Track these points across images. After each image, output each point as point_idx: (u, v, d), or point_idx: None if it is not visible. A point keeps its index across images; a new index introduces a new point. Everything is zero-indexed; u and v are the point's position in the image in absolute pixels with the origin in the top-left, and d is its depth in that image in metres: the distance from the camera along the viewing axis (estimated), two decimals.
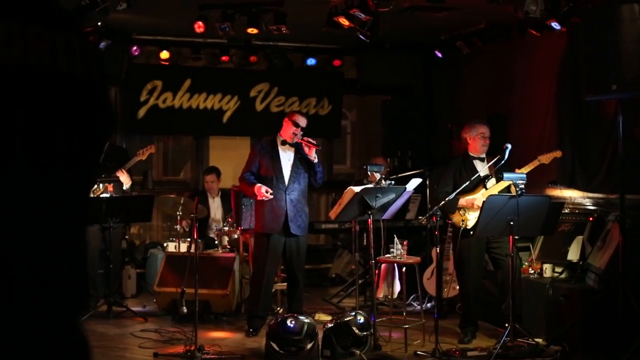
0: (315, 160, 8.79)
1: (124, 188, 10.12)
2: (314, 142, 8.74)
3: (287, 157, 8.82)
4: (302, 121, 8.84)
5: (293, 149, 8.84)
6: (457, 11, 10.00)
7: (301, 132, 8.77)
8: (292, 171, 8.77)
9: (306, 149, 8.71)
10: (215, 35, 10.56)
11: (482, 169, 8.44)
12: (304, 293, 9.26)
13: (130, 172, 10.18)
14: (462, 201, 8.29)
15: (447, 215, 8.51)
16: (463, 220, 8.26)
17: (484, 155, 8.55)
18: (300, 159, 8.83)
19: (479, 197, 8.26)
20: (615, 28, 7.59)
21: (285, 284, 9.35)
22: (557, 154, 8.40)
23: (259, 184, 8.56)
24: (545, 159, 8.33)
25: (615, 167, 8.48)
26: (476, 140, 8.51)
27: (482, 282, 8.82)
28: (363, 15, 9.00)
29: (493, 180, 8.39)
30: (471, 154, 8.57)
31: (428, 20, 10.50)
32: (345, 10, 9.12)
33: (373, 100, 13.62)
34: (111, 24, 10.23)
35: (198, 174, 12.64)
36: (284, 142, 8.82)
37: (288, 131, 8.79)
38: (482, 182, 8.41)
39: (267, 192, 8.53)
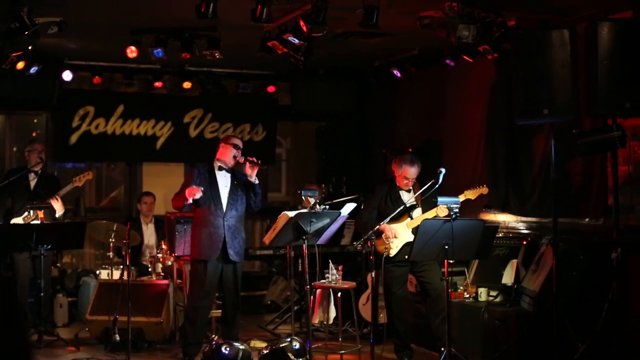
0: (256, 182, 8.70)
1: (57, 216, 9.94)
2: (258, 161, 8.67)
3: (224, 183, 8.71)
4: (240, 142, 8.80)
5: (229, 175, 8.74)
6: (390, 37, 10.03)
7: (241, 153, 8.70)
8: (229, 197, 8.67)
9: (249, 171, 8.61)
10: (148, 60, 10.47)
11: (408, 199, 8.46)
12: (239, 320, 9.15)
13: (63, 200, 10.01)
14: (382, 227, 8.23)
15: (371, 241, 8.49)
16: (386, 248, 8.27)
17: (406, 189, 8.58)
18: (237, 184, 8.73)
19: (399, 227, 8.29)
20: (546, 53, 7.71)
21: (220, 310, 9.23)
22: (484, 190, 8.44)
23: (188, 187, 8.43)
24: (472, 194, 8.38)
25: (548, 191, 8.58)
26: (400, 178, 8.54)
27: (415, 307, 8.82)
28: (297, 41, 8.97)
29: (419, 210, 8.42)
30: (397, 184, 8.59)
31: (362, 46, 10.54)
32: (279, 35, 9.09)
33: (308, 127, 13.61)
34: (42, 48, 10.07)
35: (131, 200, 12.48)
36: (221, 168, 8.71)
37: (228, 155, 8.69)
38: (407, 211, 8.42)
39: (194, 190, 8.35)
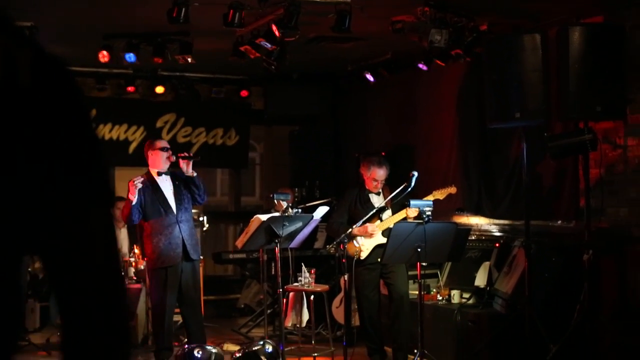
0: (194, 175, 8.60)
1: None
2: (190, 155, 8.62)
3: (167, 187, 8.60)
4: (165, 143, 8.75)
5: (169, 177, 8.65)
6: (363, 41, 10.05)
7: (171, 153, 8.64)
8: (176, 199, 8.56)
9: (184, 166, 8.53)
10: (120, 65, 10.44)
11: (378, 202, 8.49)
12: (211, 324, 9.12)
13: None
14: (355, 231, 8.26)
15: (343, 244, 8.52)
16: (357, 251, 8.29)
17: (375, 192, 8.61)
18: (179, 184, 8.63)
19: (371, 224, 8.33)
20: (518, 57, 7.77)
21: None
22: (452, 190, 8.49)
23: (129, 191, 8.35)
24: (440, 194, 8.43)
25: (520, 194, 8.61)
26: (369, 180, 8.57)
27: (386, 309, 8.85)
28: (269, 45, 8.98)
29: (389, 212, 8.46)
30: (367, 187, 8.62)
31: (335, 50, 10.55)
32: (251, 39, 9.09)
33: (281, 131, 13.61)
34: None
35: None
36: (159, 173, 8.64)
37: (160, 160, 8.59)
38: (377, 214, 8.44)
39: (133, 184, 8.30)
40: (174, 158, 8.55)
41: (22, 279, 1.70)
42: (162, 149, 8.60)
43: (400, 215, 8.20)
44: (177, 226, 8.51)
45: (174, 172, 8.68)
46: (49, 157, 1.59)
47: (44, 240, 1.64)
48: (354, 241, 8.28)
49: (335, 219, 8.62)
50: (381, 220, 8.42)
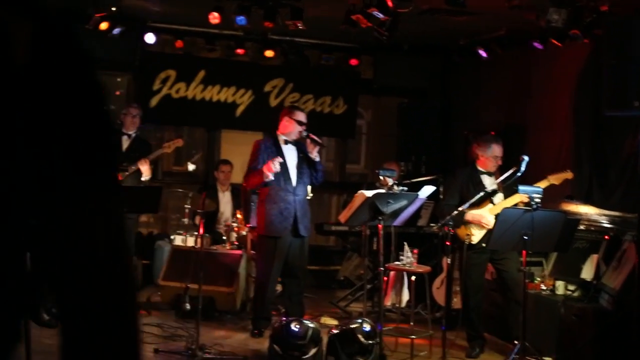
0: (317, 159, 8.63)
1: (142, 179, 9.98)
2: (320, 141, 8.60)
3: (292, 157, 8.63)
4: (304, 117, 8.71)
5: (295, 148, 8.66)
6: (477, 16, 9.83)
7: (304, 128, 8.62)
8: (297, 171, 8.60)
9: (311, 146, 8.54)
10: (230, 27, 10.40)
11: (490, 183, 8.26)
12: (310, 295, 9.12)
13: (151, 164, 10.07)
14: (469, 216, 8.08)
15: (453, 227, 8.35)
16: (468, 235, 8.11)
17: (492, 170, 8.36)
18: (303, 157, 8.66)
19: (485, 214, 8.08)
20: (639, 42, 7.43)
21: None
22: (568, 175, 8.19)
23: (265, 165, 8.33)
24: (556, 179, 8.12)
25: (635, 185, 8.30)
26: (489, 160, 8.29)
27: (491, 295, 8.68)
28: (381, 15, 8.86)
29: (501, 196, 8.19)
30: (479, 168, 8.39)
31: (447, 23, 10.35)
32: (363, 9, 8.98)
33: (388, 102, 13.45)
34: (125, 10, 10.08)
35: (208, 166, 12.45)
36: (286, 142, 8.63)
37: (292, 130, 8.62)
38: (489, 197, 8.22)
39: (272, 164, 8.27)
40: (305, 134, 8.54)
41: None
42: (299, 122, 8.60)
43: (513, 200, 7.94)
44: (293, 199, 8.52)
45: (301, 144, 8.63)
46: (49, 141, 1.50)
47: (42, 233, 1.54)
48: (465, 226, 8.11)
49: (447, 201, 8.37)
50: (493, 204, 8.18)
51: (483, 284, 8.51)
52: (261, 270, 8.74)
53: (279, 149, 8.59)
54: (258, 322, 8.63)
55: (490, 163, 8.30)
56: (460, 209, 7.90)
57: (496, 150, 8.26)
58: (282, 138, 8.64)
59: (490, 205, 8.17)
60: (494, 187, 8.23)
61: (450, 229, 7.85)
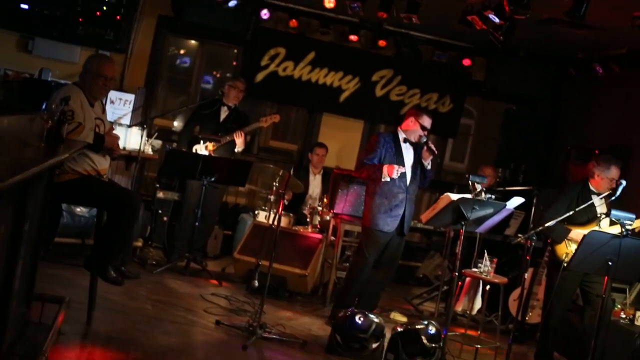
0: (429, 167, 8.57)
1: (236, 150, 10.03)
2: (436, 151, 8.51)
3: (409, 156, 8.54)
4: (429, 123, 8.58)
5: (412, 148, 8.55)
6: (599, 31, 9.52)
7: (426, 133, 8.54)
8: (412, 171, 8.50)
9: (426, 154, 8.47)
10: (346, 12, 10.31)
11: (598, 205, 7.95)
12: (387, 288, 9.02)
13: (246, 137, 10.10)
14: (573, 234, 7.82)
15: (553, 242, 8.08)
16: (567, 254, 7.83)
17: (605, 192, 8.01)
18: (418, 159, 8.55)
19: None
20: None
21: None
22: None
23: (388, 166, 8.26)
24: None
25: None
26: (604, 181, 7.93)
27: (567, 315, 8.40)
28: (497, 19, 8.66)
29: (607, 221, 7.86)
30: (592, 187, 8.07)
31: (567, 35, 10.03)
32: (480, 10, 8.79)
33: (496, 106, 13.18)
34: None
35: (305, 147, 12.41)
36: (405, 140, 8.52)
37: (414, 131, 8.53)
38: (596, 219, 7.91)
39: (396, 169, 8.22)
40: (424, 140, 8.50)
41: None
42: (423, 127, 8.53)
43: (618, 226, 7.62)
44: (404, 197, 8.45)
45: (417, 145, 8.57)
46: None
47: None
48: (567, 244, 7.86)
49: (551, 214, 8.04)
50: (599, 227, 7.86)
51: (571, 303, 8.24)
52: (357, 261, 8.62)
53: (398, 145, 8.50)
54: (339, 309, 8.45)
55: (605, 184, 7.96)
56: (554, 220, 7.60)
57: (614, 172, 7.95)
58: (402, 136, 8.55)
59: (596, 228, 7.84)
60: (604, 209, 7.94)
61: (532, 243, 7.61)
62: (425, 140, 8.52)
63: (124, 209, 6.67)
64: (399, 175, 8.24)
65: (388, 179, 8.27)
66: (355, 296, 8.56)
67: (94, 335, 6.65)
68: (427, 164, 8.56)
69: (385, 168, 8.23)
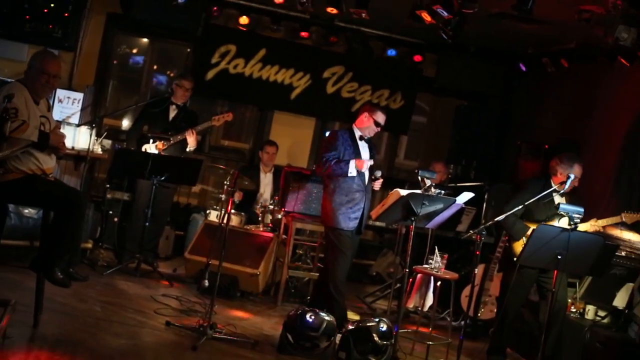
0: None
1: (187, 149, 9.93)
2: (381, 177, 8.44)
3: (365, 153, 8.46)
4: (383, 119, 8.49)
5: (367, 145, 8.49)
6: (548, 26, 9.53)
7: (380, 129, 8.52)
8: (369, 169, 8.41)
9: (376, 183, 8.41)
10: (295, 8, 10.23)
11: (559, 201, 7.93)
12: None
13: (198, 136, 10.00)
14: (530, 233, 7.81)
15: (511, 239, 8.07)
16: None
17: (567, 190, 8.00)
18: (373, 155, 8.53)
19: None
20: None
21: (318, 274, 9.07)
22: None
23: (357, 160, 8.20)
24: (629, 218, 7.81)
25: None
26: (564, 178, 7.95)
27: (520, 311, 8.40)
28: (446, 14, 8.64)
29: (565, 220, 7.81)
30: (553, 184, 8.05)
31: (517, 30, 10.03)
32: (428, 4, 8.76)
33: (448, 102, 13.19)
34: None
35: (256, 146, 12.32)
36: (361, 137, 8.45)
37: (368, 127, 8.45)
38: (556, 216, 7.90)
39: (366, 164, 8.21)
40: (378, 175, 8.37)
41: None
42: (377, 123, 8.45)
43: (584, 226, 7.61)
44: (364, 196, 8.36)
45: (371, 142, 8.54)
46: None
47: None
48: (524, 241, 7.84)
49: (511, 209, 7.95)
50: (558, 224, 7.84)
51: (526, 299, 8.24)
52: (338, 269, 8.37)
53: (355, 142, 8.42)
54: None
55: (569, 185, 7.95)
56: (511, 211, 7.58)
57: (577, 171, 7.94)
58: (357, 133, 8.47)
59: (556, 223, 7.83)
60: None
61: (481, 238, 7.59)
62: (380, 175, 8.37)
63: (71, 209, 6.57)
64: (366, 168, 8.20)
65: (354, 174, 8.18)
66: (340, 304, 8.42)
67: (40, 339, 6.54)
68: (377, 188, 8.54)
69: (354, 162, 8.15)
